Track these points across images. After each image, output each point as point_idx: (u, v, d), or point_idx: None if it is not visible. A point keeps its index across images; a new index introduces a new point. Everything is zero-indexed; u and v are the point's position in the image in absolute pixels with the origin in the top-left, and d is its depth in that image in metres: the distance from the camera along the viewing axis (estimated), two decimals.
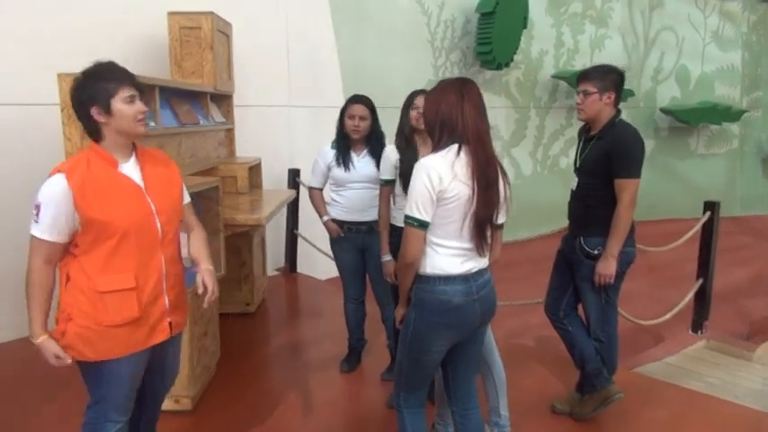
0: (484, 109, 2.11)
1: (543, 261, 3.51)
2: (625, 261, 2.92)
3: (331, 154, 3.35)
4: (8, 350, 3.84)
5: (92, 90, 1.89)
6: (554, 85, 8.00)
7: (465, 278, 2.05)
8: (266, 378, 3.52)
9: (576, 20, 8.06)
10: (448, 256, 2.04)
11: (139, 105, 1.96)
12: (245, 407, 3.13)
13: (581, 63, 8.17)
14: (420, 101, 2.99)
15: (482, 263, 2.11)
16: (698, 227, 4.37)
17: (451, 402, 2.27)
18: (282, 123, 5.65)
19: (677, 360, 4.07)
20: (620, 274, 2.93)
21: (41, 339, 1.89)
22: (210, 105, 4.29)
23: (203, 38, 4.17)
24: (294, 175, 5.47)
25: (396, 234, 3.06)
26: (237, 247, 4.39)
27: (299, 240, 5.67)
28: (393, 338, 3.60)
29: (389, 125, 6.42)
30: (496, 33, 6.58)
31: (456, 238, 2.03)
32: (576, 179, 3.04)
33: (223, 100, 4.68)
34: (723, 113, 8.89)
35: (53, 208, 1.83)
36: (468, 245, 2.05)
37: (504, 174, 2.15)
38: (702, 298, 4.48)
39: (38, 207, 1.83)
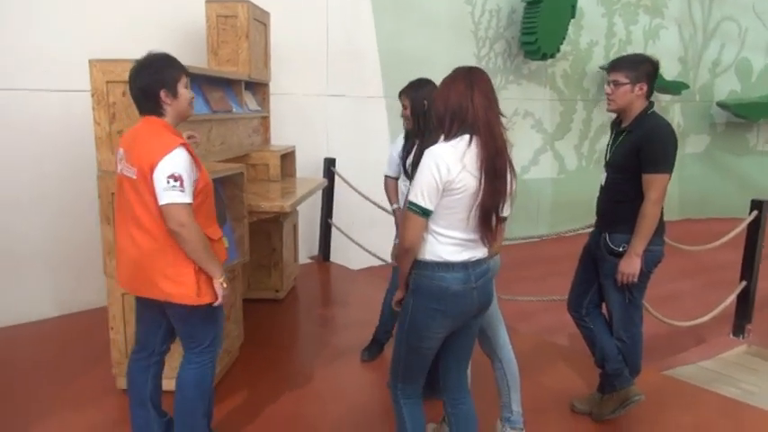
0: (494, 97, 2.07)
1: None
2: (651, 260, 2.81)
3: (401, 143, 3.21)
4: (51, 326, 4.02)
5: (160, 75, 2.23)
6: (603, 76, 7.73)
7: (464, 266, 2.03)
8: (287, 363, 3.56)
9: (630, 9, 7.77)
10: (448, 245, 2.01)
11: (190, 92, 2.34)
12: (263, 390, 3.18)
13: None
14: (402, 99, 3.01)
15: (482, 252, 2.08)
16: (743, 226, 4.16)
17: (442, 394, 2.26)
18: (320, 112, 5.68)
19: (713, 364, 3.90)
20: (646, 274, 2.81)
21: (223, 279, 2.29)
22: (245, 93, 4.35)
23: (239, 26, 4.23)
24: (329, 165, 5.50)
25: None
26: (268, 233, 4.46)
27: (333, 230, 5.70)
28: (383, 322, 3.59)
29: None
30: (542, 23, 6.41)
31: (459, 229, 2.00)
32: (605, 173, 2.94)
33: (259, 88, 4.74)
34: None
35: (188, 175, 2.15)
36: (471, 236, 2.02)
37: (512, 166, 2.11)
38: (746, 301, 4.27)
39: (179, 178, 2.13)
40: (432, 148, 2.01)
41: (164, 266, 2.24)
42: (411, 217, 1.99)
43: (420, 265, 2.04)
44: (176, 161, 2.15)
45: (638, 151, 2.73)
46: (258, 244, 4.32)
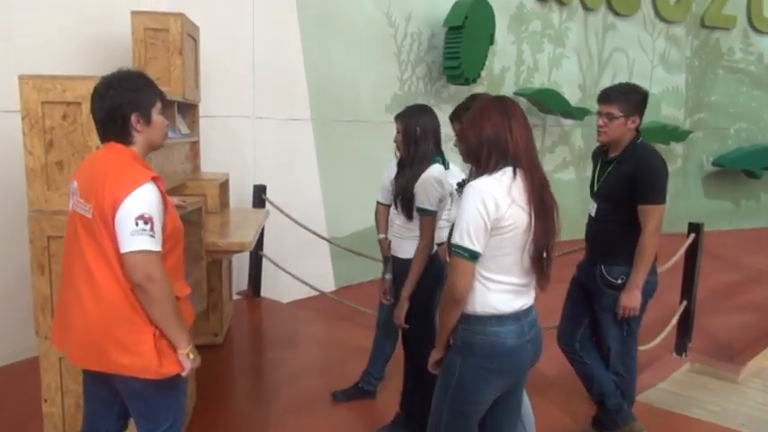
0: (530, 128, 1.91)
1: None
2: (648, 291, 2.77)
3: (395, 170, 2.96)
4: None
5: (133, 96, 1.86)
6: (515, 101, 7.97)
7: (517, 317, 1.83)
8: (252, 421, 3.15)
9: (536, 38, 8.07)
10: (500, 293, 1.81)
11: (164, 119, 1.99)
12: None
13: (539, 81, 8.20)
14: (397, 124, 2.77)
15: (531, 298, 1.90)
16: (682, 250, 4.32)
17: None
18: (247, 136, 5.27)
19: (669, 386, 3.97)
20: (643, 305, 2.77)
21: (189, 350, 1.89)
22: (176, 116, 3.89)
23: (171, 41, 3.78)
24: (260, 192, 5.09)
25: (399, 267, 2.79)
26: (206, 272, 3.99)
27: (264, 262, 5.28)
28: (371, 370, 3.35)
29: (358, 140, 6.19)
30: (465, 48, 6.44)
31: (510, 272, 1.80)
32: (594, 204, 2.87)
33: (188, 110, 4.28)
34: (671, 134, 9.14)
35: (158, 218, 1.80)
36: (522, 279, 1.83)
37: (555, 200, 1.95)
38: (687, 320, 4.43)
39: (149, 220, 1.76)
40: (473, 182, 1.81)
41: (118, 333, 1.82)
42: (458, 263, 1.76)
43: (469, 319, 1.81)
44: (146, 199, 1.78)
45: (631, 182, 2.69)
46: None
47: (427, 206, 2.59)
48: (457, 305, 1.80)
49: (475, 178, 1.87)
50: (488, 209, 1.74)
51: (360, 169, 6.23)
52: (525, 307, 1.86)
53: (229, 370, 3.80)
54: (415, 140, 2.67)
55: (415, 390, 2.91)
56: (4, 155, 3.35)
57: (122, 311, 1.82)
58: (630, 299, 2.69)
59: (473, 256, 1.76)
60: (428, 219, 2.60)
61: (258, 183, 5.15)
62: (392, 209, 3.13)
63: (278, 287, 5.42)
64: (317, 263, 5.74)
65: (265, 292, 5.34)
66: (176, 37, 3.76)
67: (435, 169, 2.64)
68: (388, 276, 2.96)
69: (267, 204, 5.06)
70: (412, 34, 6.65)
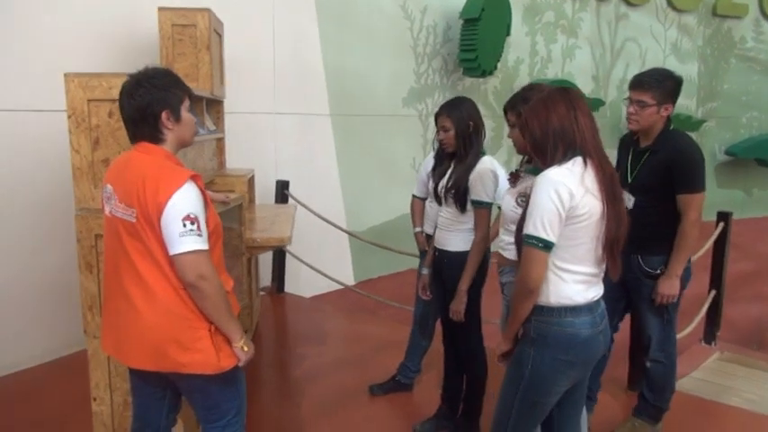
0: (594, 118, 1.90)
1: None
2: (686, 278, 2.77)
3: (431, 163, 2.96)
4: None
5: (163, 93, 1.84)
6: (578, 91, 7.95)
7: (590, 308, 1.82)
8: (293, 416, 3.15)
9: (550, 29, 8.04)
10: (574, 283, 1.80)
11: (192, 116, 1.99)
12: None
13: (553, 72, 8.17)
14: (443, 120, 2.70)
15: (602, 289, 1.89)
16: (711, 240, 4.31)
17: None
18: (268, 131, 5.26)
19: (702, 375, 3.97)
20: (681, 292, 2.77)
21: (244, 342, 1.91)
22: (204, 113, 3.87)
23: (199, 37, 3.75)
24: (283, 187, 5.08)
25: (448, 260, 2.75)
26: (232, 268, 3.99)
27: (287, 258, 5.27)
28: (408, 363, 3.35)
29: (376, 134, 6.18)
30: (481, 40, 6.41)
31: (584, 261, 1.80)
32: (631, 197, 2.83)
33: (213, 106, 4.26)
34: (684, 123, 9.10)
35: (203, 216, 1.80)
36: (595, 269, 1.83)
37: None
38: (715, 309, 4.43)
39: (195, 220, 1.76)
40: (545, 172, 1.80)
41: (176, 332, 1.82)
42: (532, 253, 1.75)
43: (543, 310, 1.80)
44: (189, 198, 1.78)
45: (668, 171, 2.66)
46: None
47: (484, 198, 2.57)
48: (530, 296, 1.79)
49: (535, 170, 1.86)
50: (562, 198, 1.73)
51: (378, 163, 6.23)
52: (597, 297, 1.86)
53: (262, 365, 3.80)
54: (469, 134, 2.64)
55: (458, 383, 2.91)
56: (37, 154, 3.35)
57: (177, 311, 1.82)
58: (671, 287, 2.68)
59: (547, 246, 1.75)
60: (484, 211, 2.59)
61: (280, 178, 5.14)
62: (428, 202, 3.13)
63: (300, 282, 5.43)
64: (337, 258, 5.75)
65: (288, 287, 5.34)
66: (204, 32, 3.74)
67: (488, 161, 2.63)
68: (425, 271, 2.95)
69: (290, 200, 5.05)
70: (428, 27, 6.63)
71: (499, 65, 7.33)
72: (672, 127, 2.77)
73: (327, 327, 4.51)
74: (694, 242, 2.70)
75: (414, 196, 3.23)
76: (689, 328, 4.20)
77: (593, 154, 1.81)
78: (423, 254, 3.11)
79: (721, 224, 4.31)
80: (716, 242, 4.34)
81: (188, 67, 3.78)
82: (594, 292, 1.85)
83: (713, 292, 4.39)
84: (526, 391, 1.85)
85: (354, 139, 5.96)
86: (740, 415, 3.28)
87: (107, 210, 1.90)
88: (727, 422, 3.19)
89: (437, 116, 2.72)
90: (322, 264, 5.32)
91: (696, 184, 2.66)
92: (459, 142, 2.63)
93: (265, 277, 5.32)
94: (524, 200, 2.13)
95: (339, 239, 5.72)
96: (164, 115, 1.84)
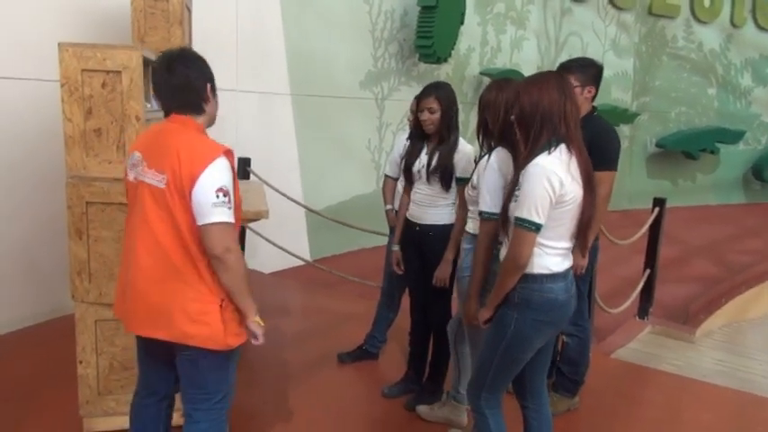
0: (579, 108, 2.12)
1: None
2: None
3: (404, 144, 3.11)
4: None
5: (205, 69, 1.97)
6: (479, 81, 8.23)
7: (564, 275, 2.07)
8: (265, 384, 3.30)
9: (500, 20, 8.34)
10: (554, 256, 2.04)
11: None
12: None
13: (502, 62, 8.48)
14: (430, 102, 2.82)
15: (571, 260, 2.14)
16: (647, 224, 4.71)
17: (525, 399, 2.27)
18: (230, 109, 5.29)
19: (636, 345, 4.38)
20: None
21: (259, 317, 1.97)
22: None
23: (172, 11, 3.76)
24: (245, 164, 5.15)
25: (429, 232, 2.94)
26: None
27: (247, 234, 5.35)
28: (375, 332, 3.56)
29: (334, 115, 6.30)
30: (438, 27, 6.61)
31: (563, 238, 2.05)
32: None
33: None
34: (621, 116, 9.65)
35: (231, 190, 1.86)
36: (569, 244, 2.08)
37: None
38: (649, 287, 4.85)
39: (227, 193, 1.82)
40: (536, 161, 1.97)
41: (184, 301, 1.88)
42: (525, 235, 1.96)
43: (527, 278, 2.03)
44: (223, 172, 1.84)
45: (588, 150, 2.92)
46: None
47: (467, 175, 2.74)
48: (519, 271, 2.01)
49: (497, 151, 2.08)
50: (554, 186, 1.93)
51: (335, 144, 6.36)
52: (569, 266, 2.11)
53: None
54: (453, 117, 2.83)
55: (424, 350, 3.14)
56: (22, 122, 3.31)
57: (192, 282, 1.86)
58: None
59: (538, 228, 1.96)
60: (464, 186, 2.80)
61: (240, 155, 5.20)
62: (400, 183, 3.30)
63: (257, 259, 5.51)
64: (293, 236, 5.86)
65: (248, 262, 5.41)
66: (176, 7, 3.77)
67: (464, 142, 2.85)
68: (396, 248, 3.12)
69: (251, 177, 5.13)
70: (386, 12, 6.77)
71: (452, 53, 7.58)
72: (596, 113, 2.99)
73: (290, 301, 4.65)
74: (603, 217, 2.89)
75: (386, 176, 3.40)
76: (625, 305, 4.59)
77: (575, 143, 2.02)
78: (393, 231, 3.29)
79: (657, 209, 4.71)
80: (651, 226, 4.74)
81: (159, 41, 3.79)
82: (568, 262, 2.10)
83: (648, 271, 4.80)
84: (507, 349, 2.07)
85: (313, 119, 6.06)
86: (669, 378, 3.72)
87: (131, 176, 1.95)
88: (658, 384, 3.58)
89: (420, 98, 2.88)
90: (283, 239, 5.43)
91: (610, 163, 2.87)
92: (443, 124, 2.81)
93: None
94: (475, 187, 2.39)
95: (297, 218, 5.84)
96: (208, 87, 1.95)
